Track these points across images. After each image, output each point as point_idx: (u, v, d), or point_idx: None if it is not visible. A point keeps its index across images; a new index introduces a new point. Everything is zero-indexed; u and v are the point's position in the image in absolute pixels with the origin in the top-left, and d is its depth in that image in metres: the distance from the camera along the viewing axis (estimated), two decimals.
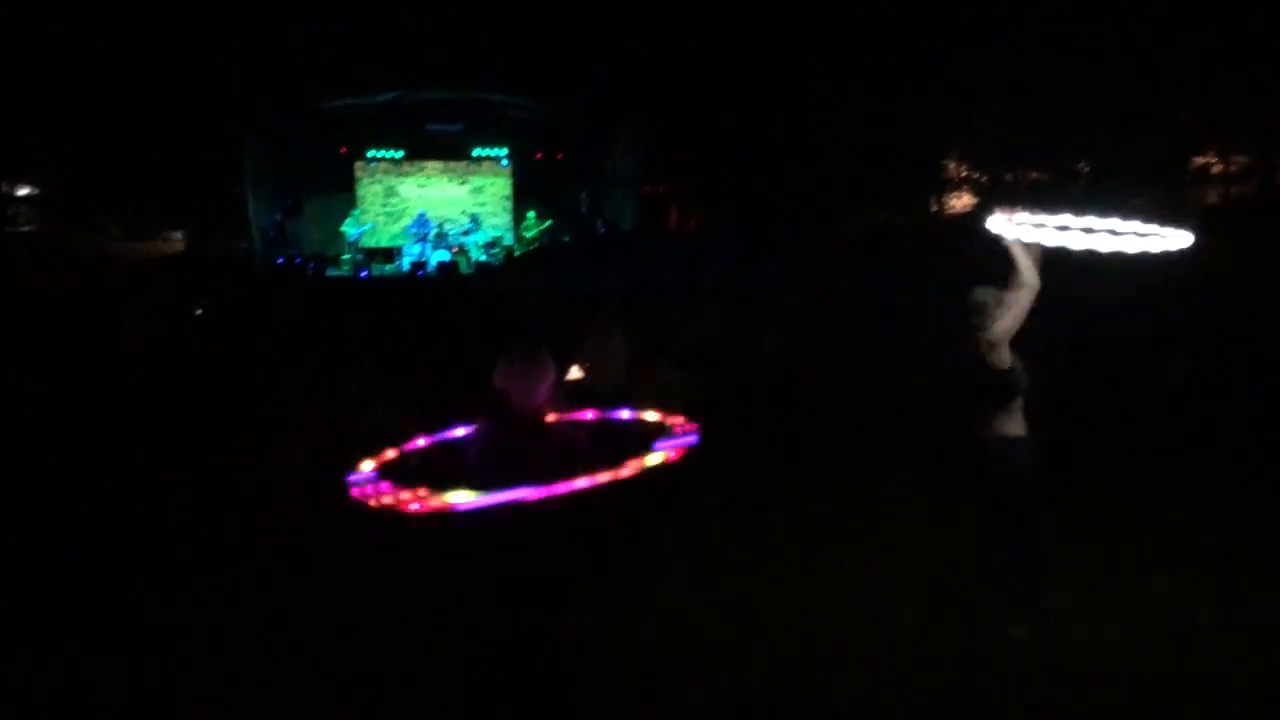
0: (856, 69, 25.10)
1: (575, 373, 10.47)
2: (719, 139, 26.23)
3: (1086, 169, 26.76)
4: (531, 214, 24.86)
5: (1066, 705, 5.02)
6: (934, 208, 28.57)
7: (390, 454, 4.14)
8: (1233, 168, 25.38)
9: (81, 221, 28.01)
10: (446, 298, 17.70)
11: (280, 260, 23.33)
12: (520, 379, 4.19)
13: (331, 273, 23.39)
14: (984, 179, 28.16)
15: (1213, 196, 25.64)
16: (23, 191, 29.68)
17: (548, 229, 24.82)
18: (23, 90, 26.50)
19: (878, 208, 27.44)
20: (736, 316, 13.17)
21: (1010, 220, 5.18)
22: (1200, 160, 25.85)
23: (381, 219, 24.97)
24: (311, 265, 23.15)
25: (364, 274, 23.23)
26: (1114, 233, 4.92)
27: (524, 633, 3.93)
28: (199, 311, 17.60)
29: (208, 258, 24.63)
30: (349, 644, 5.70)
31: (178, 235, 28.17)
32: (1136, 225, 4.99)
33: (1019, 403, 5.53)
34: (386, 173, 25.26)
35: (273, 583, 6.53)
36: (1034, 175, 27.01)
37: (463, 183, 25.57)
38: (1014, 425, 5.54)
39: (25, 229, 28.77)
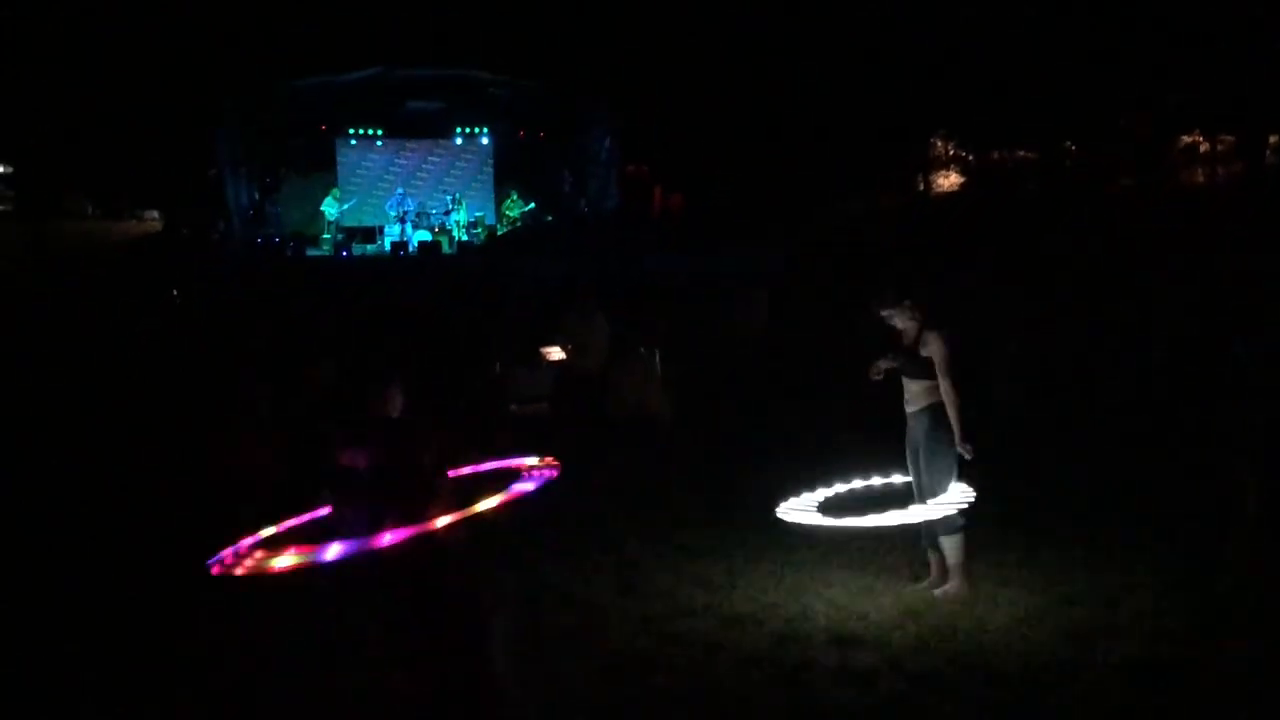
0: (841, 45, 24.85)
1: (556, 353, 10.33)
2: (699, 119, 25.95)
3: (1073, 148, 26.61)
4: (514, 193, 24.54)
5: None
6: (921, 187, 28.39)
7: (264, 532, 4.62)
8: (1220, 147, 25.23)
9: (56, 201, 27.57)
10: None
11: (259, 240, 22.98)
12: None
13: (311, 253, 23.07)
14: (971, 158, 27.98)
15: (1199, 177, 25.53)
16: None
17: (530, 210, 24.52)
18: None
19: (863, 189, 27.22)
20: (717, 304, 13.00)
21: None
22: (1187, 139, 25.70)
23: (362, 198, 24.61)
24: (291, 245, 22.81)
25: (345, 254, 22.91)
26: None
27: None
28: (175, 293, 17.38)
29: (184, 238, 24.23)
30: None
31: (154, 214, 27.74)
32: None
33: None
34: (367, 151, 24.88)
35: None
36: (1021, 154, 26.84)
37: (444, 161, 25.22)
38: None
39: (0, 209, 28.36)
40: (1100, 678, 4.92)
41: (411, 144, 25.05)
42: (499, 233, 24.22)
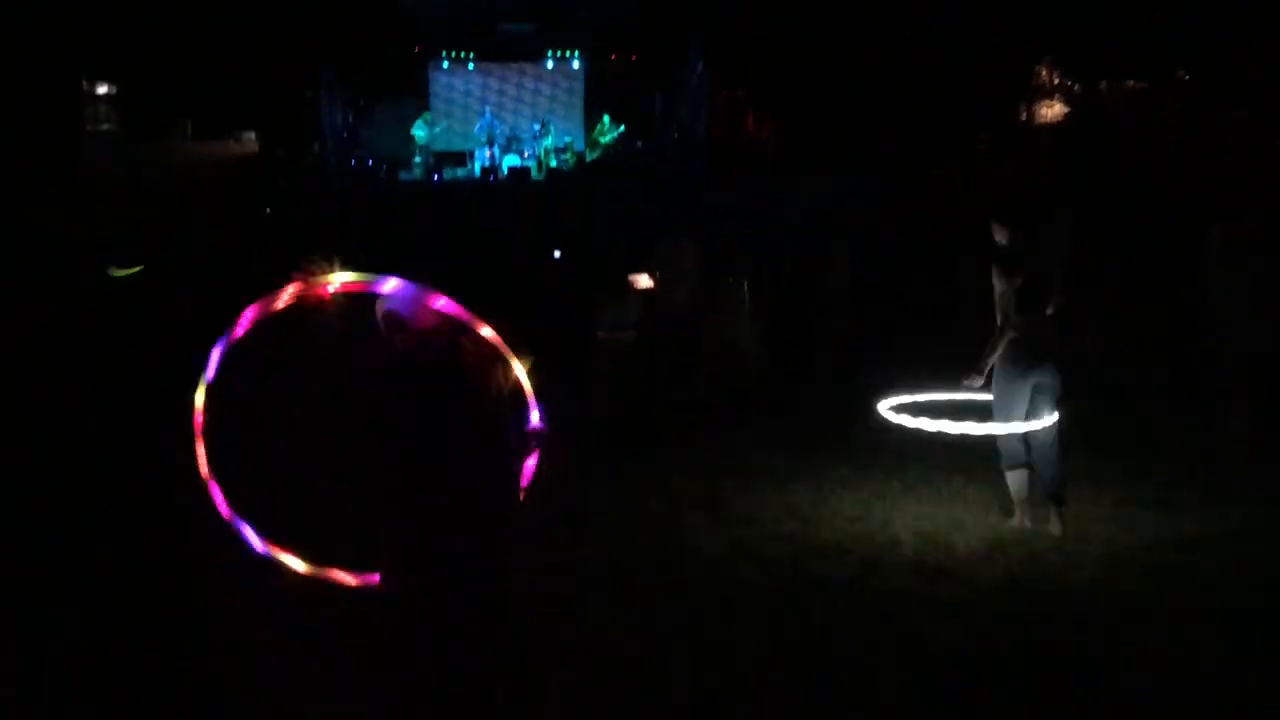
0: None
1: (645, 281, 10.29)
2: (795, 44, 25.31)
3: (1187, 78, 25.36)
4: (606, 118, 24.35)
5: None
6: (1023, 117, 27.39)
7: None
8: None
9: (157, 121, 28.17)
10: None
11: (352, 162, 23.27)
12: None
13: (404, 176, 23.30)
14: (1076, 87, 26.87)
15: None
16: (102, 90, 29.90)
17: (621, 135, 24.32)
18: None
19: (960, 118, 26.36)
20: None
21: None
22: None
23: (453, 122, 24.67)
24: (383, 168, 23.06)
25: (436, 178, 23.07)
26: None
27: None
28: (267, 210, 17.77)
29: (279, 159, 24.65)
30: None
31: (250, 136, 28.20)
32: None
33: None
34: (458, 74, 24.89)
35: None
36: (1131, 84, 25.70)
37: (534, 85, 25.10)
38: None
39: (104, 127, 29.04)
40: (1185, 625, 4.81)
41: (503, 67, 24.96)
42: (588, 159, 24.12)
